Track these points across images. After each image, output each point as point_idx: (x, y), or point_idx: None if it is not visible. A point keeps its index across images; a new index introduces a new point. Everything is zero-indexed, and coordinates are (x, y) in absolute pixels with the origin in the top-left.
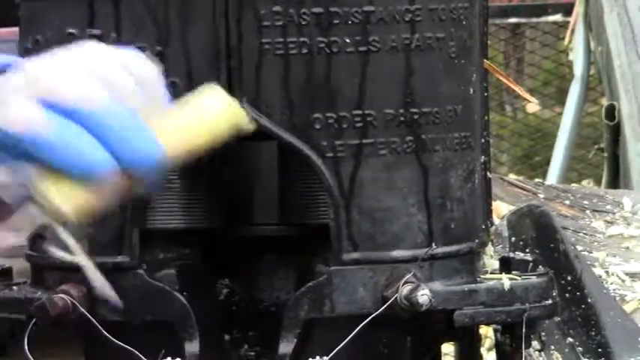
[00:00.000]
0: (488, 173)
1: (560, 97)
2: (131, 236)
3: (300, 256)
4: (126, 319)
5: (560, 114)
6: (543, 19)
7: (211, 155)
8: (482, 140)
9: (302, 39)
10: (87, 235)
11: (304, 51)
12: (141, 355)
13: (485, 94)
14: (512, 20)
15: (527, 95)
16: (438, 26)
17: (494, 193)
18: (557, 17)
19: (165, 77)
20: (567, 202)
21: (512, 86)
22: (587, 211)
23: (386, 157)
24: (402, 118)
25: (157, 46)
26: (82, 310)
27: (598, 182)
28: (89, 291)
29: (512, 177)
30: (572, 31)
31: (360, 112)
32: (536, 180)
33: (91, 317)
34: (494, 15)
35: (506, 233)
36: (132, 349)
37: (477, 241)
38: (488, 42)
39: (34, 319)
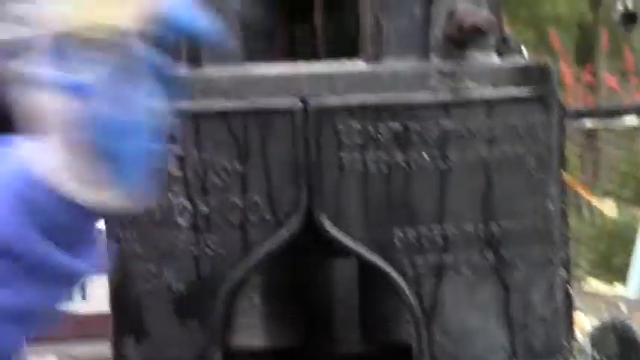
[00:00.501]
0: (569, 288)
1: (638, 200)
2: (213, 356)
3: None
4: None
5: (638, 217)
6: (618, 121)
7: (292, 274)
8: (563, 254)
9: (380, 155)
10: None
11: (383, 167)
12: None
13: (565, 207)
14: (587, 123)
15: (604, 206)
16: (516, 142)
17: (576, 305)
18: (632, 120)
19: (246, 195)
20: None
21: (592, 200)
22: None
23: (467, 274)
24: (481, 234)
25: (237, 164)
26: None
27: None
28: None
29: (590, 281)
30: None
31: (439, 228)
32: (616, 285)
33: None
34: (570, 118)
35: (589, 350)
36: None
37: (560, 358)
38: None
39: None
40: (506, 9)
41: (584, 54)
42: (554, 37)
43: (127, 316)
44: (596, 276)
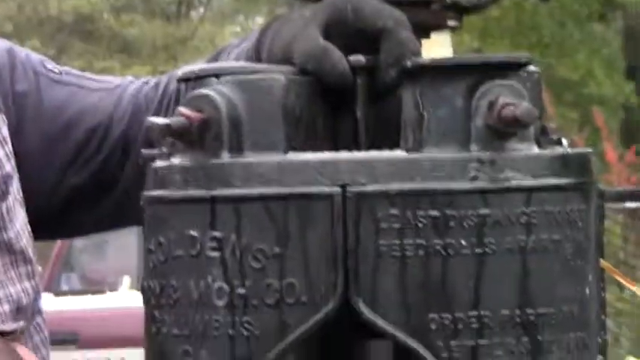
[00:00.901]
0: None
1: None
2: None
3: None
4: None
5: None
6: None
7: (327, 353)
8: (599, 339)
9: (418, 241)
10: None
11: (421, 253)
12: None
13: (602, 293)
14: (631, 205)
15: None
16: (554, 228)
17: None
18: None
19: (283, 278)
20: None
21: (628, 285)
22: None
23: (502, 357)
24: (517, 320)
25: (275, 248)
26: None
27: None
28: None
29: (630, 359)
30: None
31: (475, 313)
32: None
33: None
34: (610, 199)
35: None
36: None
37: None
38: (608, 224)
39: None
40: (551, 90)
41: (629, 134)
42: (599, 116)
43: None
44: (637, 355)
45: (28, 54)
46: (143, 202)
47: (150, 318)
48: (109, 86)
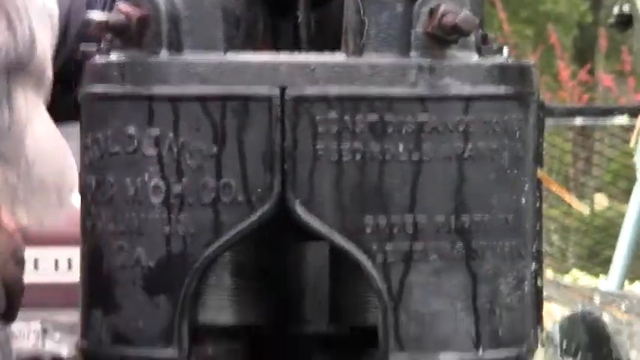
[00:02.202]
0: (539, 281)
1: (626, 197)
2: (180, 330)
3: (348, 356)
4: None
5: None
6: (609, 121)
7: (263, 255)
8: (534, 249)
9: (356, 145)
10: None
11: (357, 157)
12: None
13: (539, 203)
14: (579, 121)
15: (578, 204)
16: (491, 137)
17: (549, 294)
18: (624, 120)
19: (220, 178)
20: (623, 307)
21: (565, 196)
22: None
23: (435, 262)
24: (452, 225)
25: (212, 148)
26: None
27: None
28: None
29: (575, 272)
30: (638, 134)
31: (411, 217)
32: (600, 277)
33: None
34: (560, 115)
35: (558, 338)
36: None
37: (525, 347)
38: (558, 141)
39: None
40: (506, 7)
41: (583, 53)
42: (553, 35)
43: (97, 290)
44: (584, 269)
45: None
46: (80, 98)
47: (85, 213)
48: None
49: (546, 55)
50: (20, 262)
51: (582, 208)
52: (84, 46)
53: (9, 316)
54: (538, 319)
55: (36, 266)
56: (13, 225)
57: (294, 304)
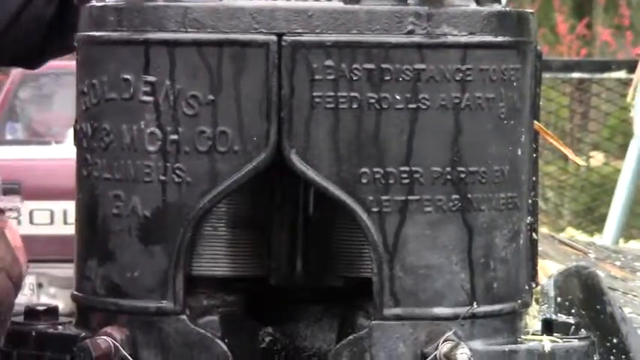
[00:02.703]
0: (534, 234)
1: (623, 154)
2: (175, 281)
3: (343, 308)
4: None
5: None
6: (607, 75)
7: (258, 205)
8: (530, 201)
9: (352, 94)
10: None
11: (354, 106)
12: None
13: (535, 155)
14: (576, 75)
15: (574, 157)
16: (488, 86)
17: (544, 250)
18: (621, 74)
19: (216, 126)
20: (618, 263)
21: (561, 148)
22: (639, 273)
23: (431, 214)
24: (448, 177)
25: (209, 95)
26: (124, 353)
27: None
28: (132, 334)
29: (570, 230)
30: (635, 89)
31: (407, 168)
32: (595, 235)
33: None
34: (557, 69)
35: (552, 293)
36: None
37: (519, 301)
38: (555, 95)
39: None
40: None
41: (581, 7)
42: None
43: (91, 239)
44: (579, 226)
45: None
46: (77, 42)
47: (81, 161)
48: None
49: (544, 7)
50: (14, 279)
51: (578, 160)
52: None
53: None
54: (533, 274)
55: (31, 220)
56: (19, 243)
57: (288, 257)
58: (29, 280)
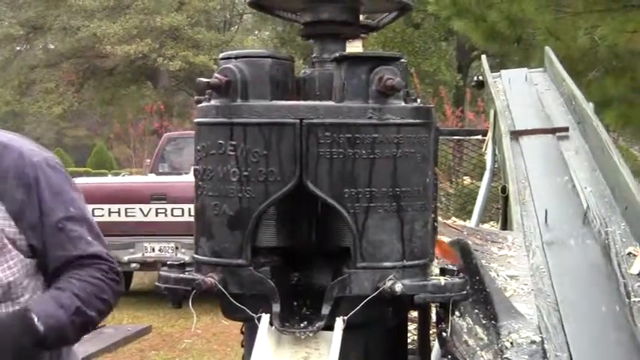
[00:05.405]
0: (436, 223)
1: (481, 177)
2: (247, 249)
3: (336, 262)
4: (243, 293)
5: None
6: (473, 137)
7: (290, 208)
8: (433, 205)
9: (340, 150)
10: None
11: (340, 157)
12: (249, 311)
13: (435, 181)
14: (455, 137)
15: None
16: (411, 146)
17: (440, 231)
18: (479, 137)
19: (268, 167)
20: (479, 236)
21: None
22: (489, 242)
23: (381, 213)
24: (390, 193)
25: (264, 151)
26: (220, 287)
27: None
28: (224, 277)
29: (452, 220)
30: (486, 144)
31: (369, 189)
32: (467, 221)
33: (224, 291)
34: (445, 134)
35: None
36: (245, 307)
37: (428, 258)
38: (445, 147)
39: (194, 290)
40: (419, 76)
41: (457, 100)
42: (443, 91)
43: (203, 227)
44: (458, 216)
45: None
46: (194, 124)
47: (197, 186)
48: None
49: (439, 102)
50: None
51: (449, 185)
52: (196, 97)
53: None
54: (434, 244)
55: (172, 213)
56: None
57: (307, 234)
58: (171, 245)
